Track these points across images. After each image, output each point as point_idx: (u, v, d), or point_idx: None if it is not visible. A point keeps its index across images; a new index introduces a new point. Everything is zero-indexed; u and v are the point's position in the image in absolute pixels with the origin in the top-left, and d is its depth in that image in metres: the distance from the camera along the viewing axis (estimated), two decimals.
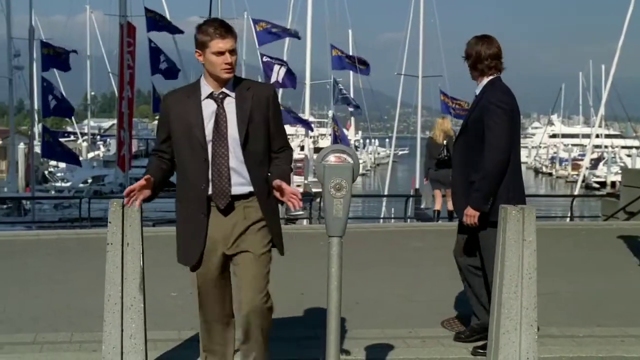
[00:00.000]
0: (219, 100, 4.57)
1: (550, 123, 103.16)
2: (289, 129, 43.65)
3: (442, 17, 42.94)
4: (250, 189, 4.59)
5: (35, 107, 36.96)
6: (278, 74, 26.24)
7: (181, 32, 27.30)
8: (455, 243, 6.09)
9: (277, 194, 4.53)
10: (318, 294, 4.71)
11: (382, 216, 29.29)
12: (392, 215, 28.53)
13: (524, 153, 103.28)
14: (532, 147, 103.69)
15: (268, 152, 4.66)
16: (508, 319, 4.90)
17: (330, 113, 36.80)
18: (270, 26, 27.53)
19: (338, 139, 31.38)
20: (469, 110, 5.83)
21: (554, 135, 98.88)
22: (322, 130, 70.45)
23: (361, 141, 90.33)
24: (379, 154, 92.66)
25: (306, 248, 9.60)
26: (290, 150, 4.83)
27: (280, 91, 33.89)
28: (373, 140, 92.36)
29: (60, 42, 33.52)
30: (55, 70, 29.60)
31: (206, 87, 4.61)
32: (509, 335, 4.89)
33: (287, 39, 31.48)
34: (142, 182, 4.45)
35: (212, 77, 4.56)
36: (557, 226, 15.59)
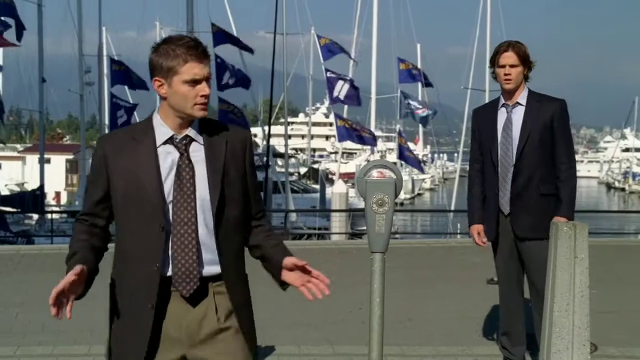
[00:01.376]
0: (182, 146, 3.30)
1: (623, 137, 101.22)
2: (353, 145, 43.67)
3: (509, 30, 42.58)
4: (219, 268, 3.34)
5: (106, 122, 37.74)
6: (340, 90, 26.28)
7: (251, 51, 27.25)
8: (506, 276, 5.82)
9: (290, 277, 3.39)
10: None
11: (448, 231, 29.08)
12: (459, 231, 28.28)
13: (595, 167, 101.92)
14: (604, 162, 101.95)
15: (245, 218, 3.46)
16: (559, 338, 4.77)
17: (398, 127, 36.68)
18: (331, 42, 27.74)
19: (407, 151, 31.28)
20: (527, 124, 5.57)
21: (626, 149, 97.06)
22: (390, 145, 70.30)
23: (429, 155, 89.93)
24: (447, 168, 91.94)
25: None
26: (266, 214, 3.68)
27: (345, 106, 34.07)
28: (441, 155, 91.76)
29: (130, 58, 34.22)
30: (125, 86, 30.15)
31: (163, 129, 3.31)
32: (560, 354, 4.76)
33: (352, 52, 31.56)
34: (70, 277, 3.07)
35: (177, 114, 3.29)
36: (627, 242, 15.24)
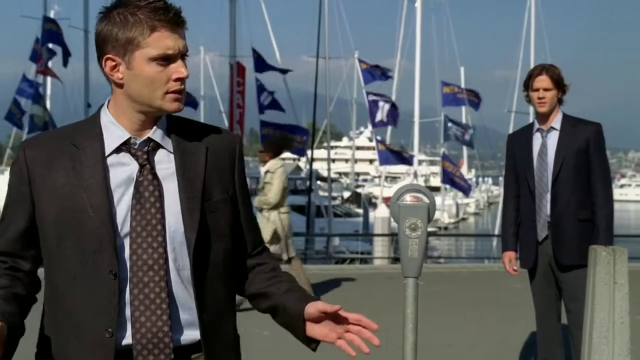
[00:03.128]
0: (144, 155, 2.29)
1: None
2: (397, 169, 43.55)
3: (553, 52, 42.28)
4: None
5: None
6: (382, 112, 26.24)
7: (285, 71, 27.00)
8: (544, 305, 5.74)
9: (318, 331, 2.39)
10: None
11: (492, 256, 28.79)
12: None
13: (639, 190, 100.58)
14: None
15: (236, 257, 2.45)
16: None
17: (442, 151, 36.53)
18: (370, 67, 27.81)
19: (453, 175, 31.07)
20: (561, 149, 5.50)
21: None
22: (434, 169, 70.03)
23: (474, 179, 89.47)
24: (491, 192, 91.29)
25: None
26: (267, 248, 2.63)
27: (389, 129, 34.02)
28: (486, 179, 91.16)
29: None
30: None
31: (115, 130, 2.29)
32: None
33: (395, 75, 31.52)
34: None
35: (138, 108, 2.27)
36: None
